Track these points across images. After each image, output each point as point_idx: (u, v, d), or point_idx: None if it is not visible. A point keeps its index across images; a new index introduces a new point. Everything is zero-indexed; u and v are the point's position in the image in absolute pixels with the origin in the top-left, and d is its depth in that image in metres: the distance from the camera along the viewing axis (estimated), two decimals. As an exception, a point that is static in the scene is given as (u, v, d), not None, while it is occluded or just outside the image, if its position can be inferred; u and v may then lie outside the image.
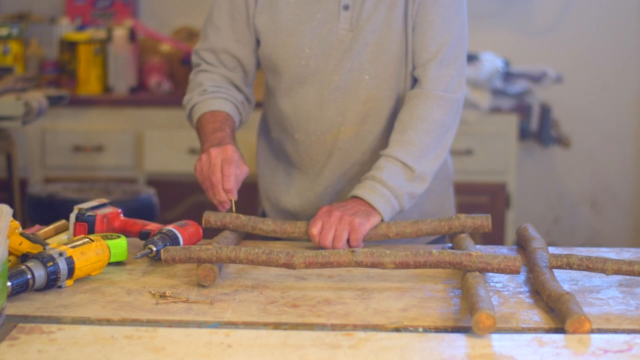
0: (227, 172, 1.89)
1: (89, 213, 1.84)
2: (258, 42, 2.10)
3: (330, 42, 2.03)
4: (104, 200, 1.90)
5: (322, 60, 2.04)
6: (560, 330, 1.47)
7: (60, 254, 1.61)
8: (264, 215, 2.21)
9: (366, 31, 2.01)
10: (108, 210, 1.87)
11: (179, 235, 1.81)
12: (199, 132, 2.05)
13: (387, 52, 2.02)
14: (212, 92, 2.08)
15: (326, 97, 2.05)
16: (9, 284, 1.52)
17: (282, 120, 2.11)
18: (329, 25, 2.03)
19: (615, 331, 1.48)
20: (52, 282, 1.59)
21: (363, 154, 2.08)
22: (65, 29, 4.24)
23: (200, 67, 2.14)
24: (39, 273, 1.57)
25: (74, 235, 1.83)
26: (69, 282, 1.63)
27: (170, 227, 1.82)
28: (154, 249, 1.76)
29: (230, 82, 2.13)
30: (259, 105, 2.26)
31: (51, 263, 1.59)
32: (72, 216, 1.84)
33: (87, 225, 1.83)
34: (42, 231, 1.85)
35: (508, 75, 4.18)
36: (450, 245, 1.94)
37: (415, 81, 2.05)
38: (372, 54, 2.03)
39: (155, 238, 1.78)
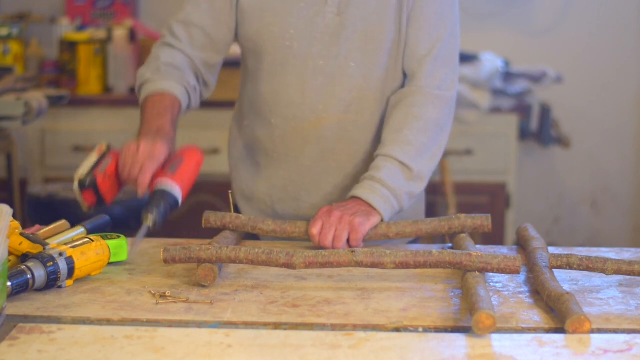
0: (146, 167, 1.85)
1: (89, 178, 1.83)
2: (237, 29, 2.05)
3: (317, 25, 1.99)
4: (103, 148, 1.89)
5: (307, 43, 2.00)
6: (560, 330, 1.47)
7: (60, 254, 1.61)
8: (237, 212, 2.13)
9: (354, 17, 1.98)
10: (107, 162, 1.86)
11: (172, 189, 1.81)
12: (142, 112, 2.00)
13: (376, 42, 2.00)
14: (165, 71, 2.03)
15: (309, 82, 2.01)
16: (9, 284, 1.52)
17: (260, 105, 2.06)
18: (316, 7, 1.99)
19: (615, 331, 1.47)
20: (52, 282, 1.59)
21: (348, 145, 2.04)
22: (65, 29, 4.24)
23: (165, 40, 2.08)
24: (39, 273, 1.57)
25: (86, 204, 1.83)
26: (69, 282, 1.63)
27: (162, 180, 1.82)
28: (150, 225, 1.78)
29: (189, 63, 2.06)
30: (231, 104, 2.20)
31: (51, 263, 1.59)
32: (76, 187, 1.83)
33: (93, 190, 1.83)
34: (42, 231, 1.85)
35: (508, 75, 4.17)
36: (450, 245, 1.94)
37: (406, 76, 2.04)
38: (361, 41, 1.99)
39: (149, 207, 1.79)
